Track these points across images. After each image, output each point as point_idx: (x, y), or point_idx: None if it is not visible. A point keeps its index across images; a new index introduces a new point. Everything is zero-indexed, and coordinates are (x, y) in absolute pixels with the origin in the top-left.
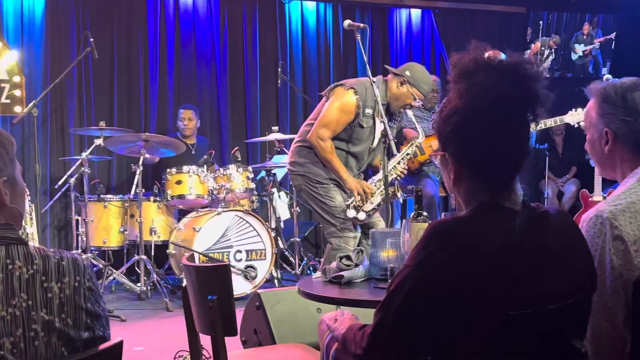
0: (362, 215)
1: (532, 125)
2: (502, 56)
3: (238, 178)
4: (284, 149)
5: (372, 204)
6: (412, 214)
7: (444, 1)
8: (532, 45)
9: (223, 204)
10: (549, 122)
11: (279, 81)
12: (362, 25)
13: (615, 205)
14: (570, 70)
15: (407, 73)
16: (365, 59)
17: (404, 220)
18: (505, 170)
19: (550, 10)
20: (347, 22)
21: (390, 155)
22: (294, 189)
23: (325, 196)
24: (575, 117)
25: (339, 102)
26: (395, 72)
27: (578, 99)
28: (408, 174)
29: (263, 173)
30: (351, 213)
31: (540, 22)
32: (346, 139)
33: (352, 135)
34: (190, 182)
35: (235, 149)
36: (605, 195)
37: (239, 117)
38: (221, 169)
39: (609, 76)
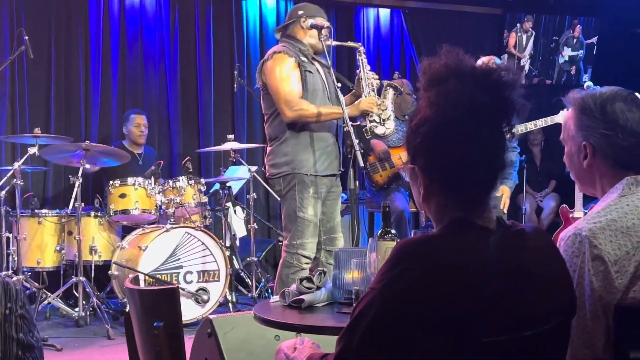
0: (390, 124)
1: (520, 128)
2: (497, 61)
3: (189, 191)
4: (240, 159)
5: (385, 110)
6: (380, 231)
7: (414, 1)
8: (508, 39)
9: (172, 220)
10: (540, 122)
11: (235, 85)
12: (326, 24)
13: (594, 222)
14: (549, 76)
15: (300, 12)
16: (329, 62)
17: (370, 239)
18: (478, 185)
19: (528, 12)
20: (309, 21)
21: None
22: (250, 203)
23: (300, 204)
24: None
25: (279, 67)
26: (289, 21)
27: (557, 108)
28: (375, 189)
29: (217, 186)
30: (380, 129)
31: (518, 24)
32: (305, 98)
33: (308, 90)
34: (136, 195)
35: (187, 159)
36: (586, 211)
37: (191, 124)
38: (170, 181)
39: (590, 83)
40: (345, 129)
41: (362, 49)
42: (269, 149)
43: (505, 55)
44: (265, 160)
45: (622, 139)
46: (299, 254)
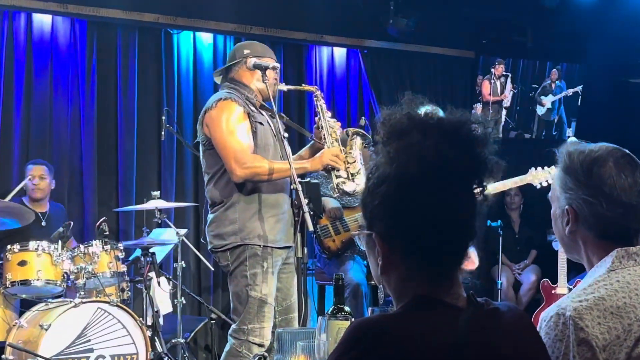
0: (360, 180)
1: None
2: (441, 113)
3: (104, 258)
4: (167, 220)
5: (354, 163)
6: (331, 308)
7: (374, 40)
8: (481, 88)
9: (82, 293)
10: (509, 183)
11: (163, 132)
12: (271, 64)
13: (580, 301)
14: (529, 130)
15: (246, 51)
16: (275, 108)
17: (320, 317)
18: (445, 255)
19: (504, 57)
20: (252, 61)
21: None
22: (178, 273)
23: (252, 281)
24: (538, 176)
25: (225, 117)
26: (232, 62)
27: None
28: (327, 256)
29: (138, 252)
30: (349, 187)
31: (492, 69)
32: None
33: (259, 145)
34: (39, 263)
35: (102, 220)
36: (571, 286)
37: (108, 178)
38: (82, 246)
39: (574, 139)
40: (292, 187)
41: (319, 92)
42: (211, 215)
43: (479, 105)
44: (206, 230)
45: (605, 208)
46: (250, 341)
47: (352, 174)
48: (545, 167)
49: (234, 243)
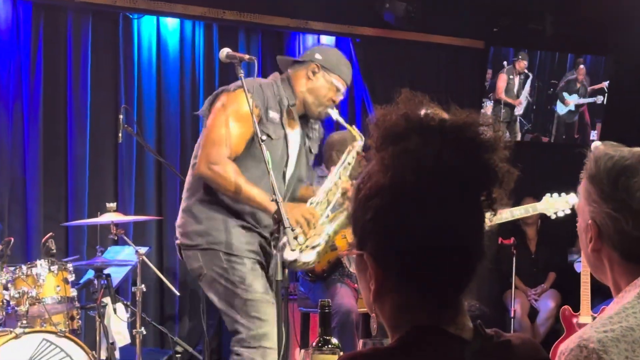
0: (311, 256)
1: (488, 216)
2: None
3: (50, 281)
4: (125, 237)
5: (320, 236)
6: (316, 340)
7: (368, 27)
8: (497, 81)
9: (25, 322)
10: (517, 212)
11: (120, 134)
12: (247, 57)
13: (605, 331)
14: (546, 132)
15: (318, 56)
16: (251, 106)
17: (302, 351)
18: (449, 279)
19: (517, 47)
20: (224, 51)
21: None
22: (137, 298)
23: (238, 282)
24: (553, 205)
25: (230, 108)
26: (300, 59)
27: (559, 173)
28: (311, 279)
29: (90, 274)
30: (291, 255)
31: (505, 62)
32: (249, 164)
33: (257, 156)
34: None
35: (48, 235)
36: (595, 314)
37: (56, 187)
38: (24, 267)
39: (598, 143)
40: (271, 198)
41: (357, 145)
42: (186, 202)
43: (489, 103)
44: (179, 214)
45: (631, 226)
46: (264, 346)
47: (306, 246)
48: (563, 194)
49: (203, 243)
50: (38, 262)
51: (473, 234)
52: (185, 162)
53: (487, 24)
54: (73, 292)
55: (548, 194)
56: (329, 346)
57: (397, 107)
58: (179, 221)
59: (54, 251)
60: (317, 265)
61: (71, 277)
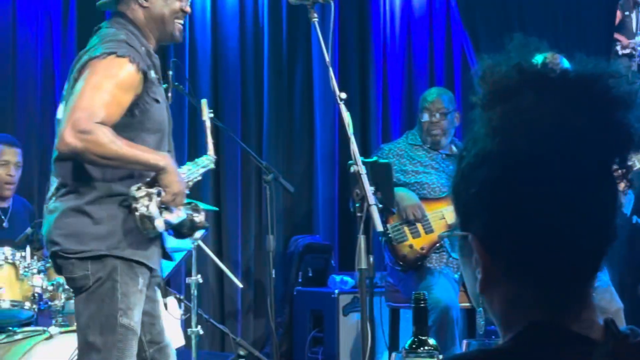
0: (160, 224)
1: (621, 185)
2: (564, 63)
3: None
4: None
5: (177, 217)
6: (410, 341)
7: None
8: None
9: (61, 319)
10: None
11: (170, 94)
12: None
13: None
14: None
15: None
16: (328, 58)
17: (393, 354)
18: (573, 266)
19: None
20: None
21: None
22: (192, 291)
23: (124, 305)
24: None
25: (112, 74)
26: None
27: None
28: (402, 269)
29: None
30: (154, 210)
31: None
32: (137, 131)
33: (148, 127)
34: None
35: None
36: None
37: None
38: None
39: None
40: (352, 169)
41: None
42: (58, 203)
43: (619, 47)
44: (45, 221)
45: None
46: None
47: (166, 208)
48: None
49: (98, 251)
50: None
51: (603, 211)
52: (248, 128)
53: None
54: None
55: None
56: (426, 348)
57: (507, 56)
58: (56, 221)
59: None
60: (410, 252)
61: None
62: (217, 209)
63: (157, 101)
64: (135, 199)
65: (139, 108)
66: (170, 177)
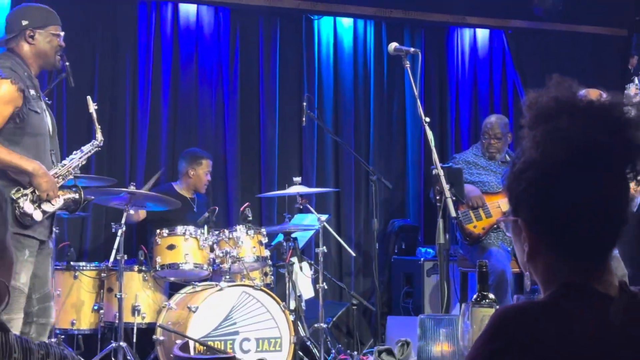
0: (38, 214)
1: (632, 185)
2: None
3: (248, 243)
4: (308, 206)
5: (53, 205)
6: (475, 296)
7: (519, 20)
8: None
9: (228, 277)
10: None
11: (304, 119)
12: (412, 50)
13: None
14: None
15: (25, 22)
16: (416, 92)
17: (463, 304)
18: (596, 242)
19: None
20: (392, 45)
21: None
22: (320, 258)
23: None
24: None
25: None
26: (11, 35)
27: None
28: (469, 243)
29: (280, 237)
30: (29, 207)
31: None
32: (19, 135)
33: (28, 131)
34: (186, 247)
35: (245, 205)
36: None
37: (251, 164)
38: (226, 231)
39: None
40: (434, 172)
41: (97, 143)
42: None
43: (632, 85)
44: None
45: None
46: None
47: (38, 200)
48: None
49: None
50: (237, 227)
51: (618, 203)
52: (359, 141)
53: (630, 13)
54: (266, 253)
55: None
56: (487, 301)
57: (547, 90)
58: None
59: (251, 218)
60: (474, 230)
61: (265, 240)
62: (338, 189)
63: (37, 112)
64: (13, 200)
65: (19, 117)
66: (39, 179)
